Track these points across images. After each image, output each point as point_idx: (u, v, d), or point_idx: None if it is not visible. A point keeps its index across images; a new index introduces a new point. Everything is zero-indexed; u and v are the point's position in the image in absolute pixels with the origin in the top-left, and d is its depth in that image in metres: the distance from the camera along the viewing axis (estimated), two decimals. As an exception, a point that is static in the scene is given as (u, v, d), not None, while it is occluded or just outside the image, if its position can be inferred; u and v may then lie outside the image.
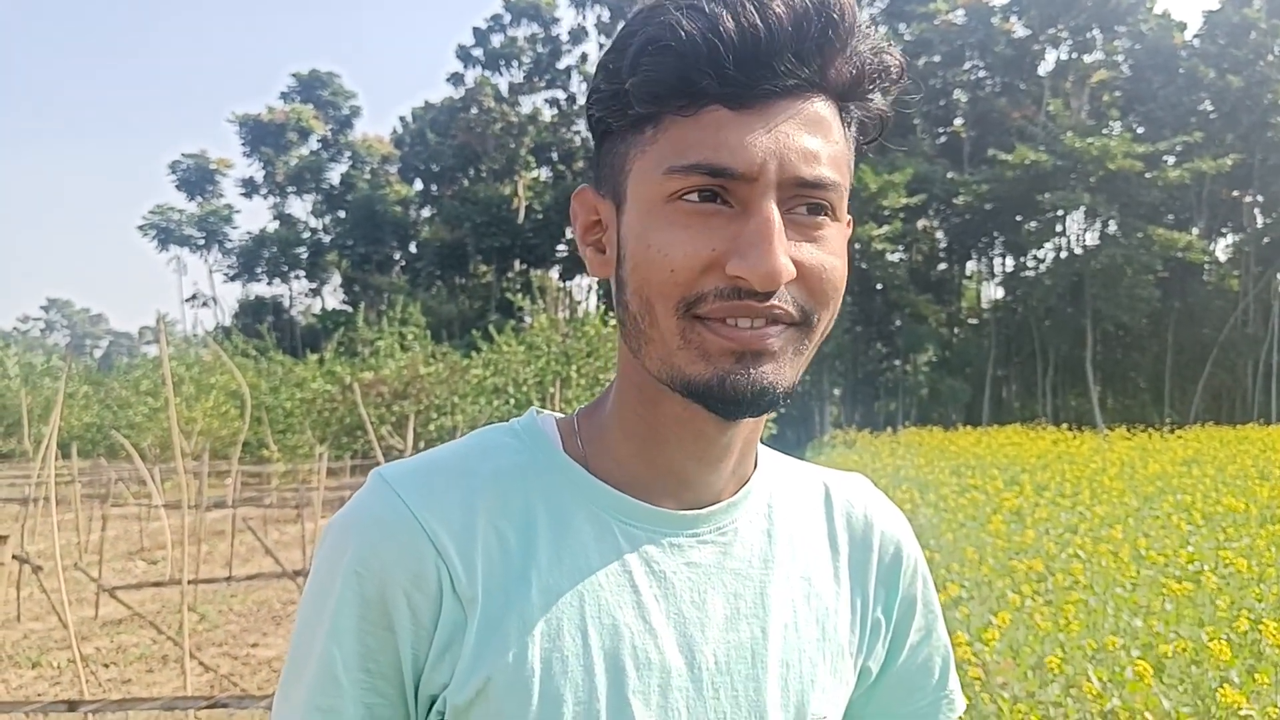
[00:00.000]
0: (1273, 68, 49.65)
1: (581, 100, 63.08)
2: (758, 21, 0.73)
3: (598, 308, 25.55)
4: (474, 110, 60.86)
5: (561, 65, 63.65)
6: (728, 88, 0.74)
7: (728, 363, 0.77)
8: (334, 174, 66.01)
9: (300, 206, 67.75)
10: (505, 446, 0.88)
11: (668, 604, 0.84)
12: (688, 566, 0.86)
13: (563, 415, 0.94)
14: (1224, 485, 14.61)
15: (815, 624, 0.91)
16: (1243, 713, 4.81)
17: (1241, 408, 48.20)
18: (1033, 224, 50.35)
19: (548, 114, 63.31)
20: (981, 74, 54.51)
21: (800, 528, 0.94)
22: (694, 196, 0.75)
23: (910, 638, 1.00)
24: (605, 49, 0.82)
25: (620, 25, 0.83)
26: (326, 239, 64.79)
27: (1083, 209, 47.85)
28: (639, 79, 0.76)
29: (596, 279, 0.99)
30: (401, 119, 67.74)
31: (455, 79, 63.65)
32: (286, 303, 66.78)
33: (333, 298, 67.19)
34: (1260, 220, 51.39)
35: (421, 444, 21.97)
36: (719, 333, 0.77)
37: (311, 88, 66.80)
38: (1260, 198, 50.72)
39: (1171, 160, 48.07)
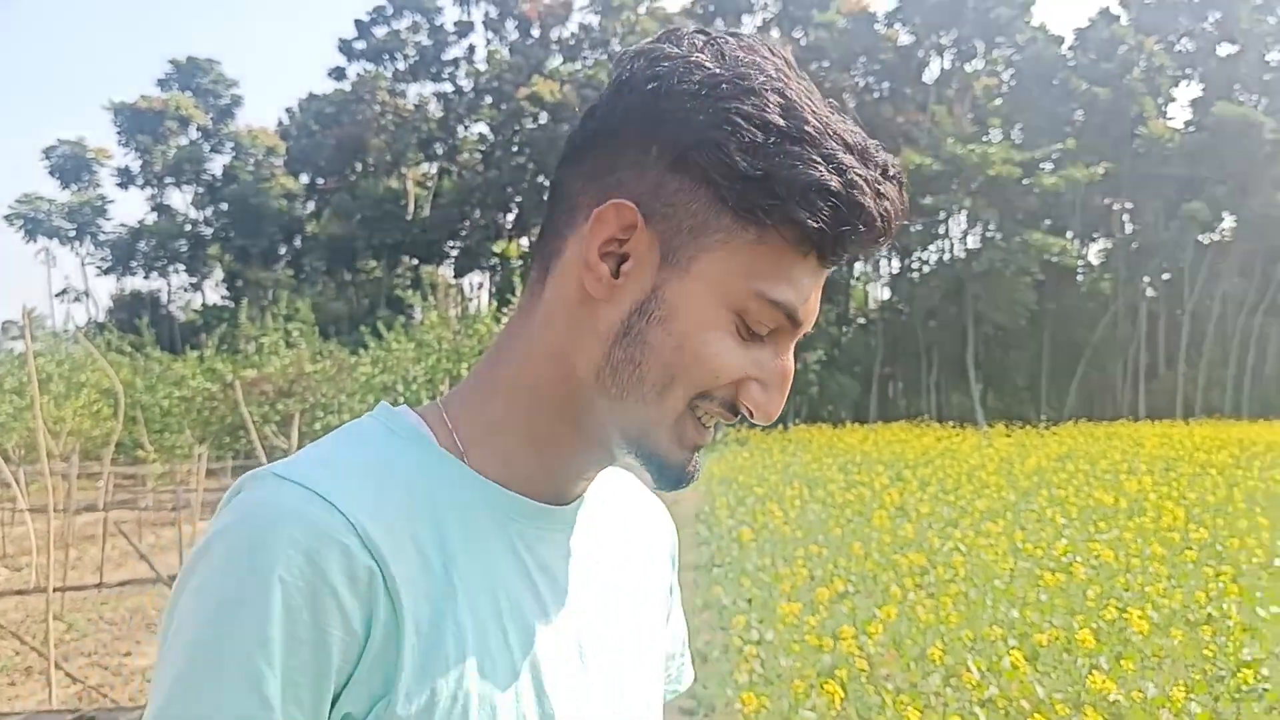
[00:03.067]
0: (1139, 82, 52.01)
1: (469, 93, 63.08)
2: (888, 214, 0.79)
3: (490, 305, 25.34)
4: (362, 103, 59.83)
5: (447, 57, 63.05)
6: (835, 254, 0.80)
7: (689, 453, 0.84)
8: (215, 165, 64.14)
9: (179, 198, 65.61)
10: (391, 445, 0.85)
11: (556, 597, 0.87)
12: (565, 559, 0.89)
13: (418, 408, 0.90)
14: (1095, 480, 15.20)
15: (645, 606, 0.99)
16: (1111, 698, 5.00)
17: (1112, 405, 50.34)
18: (917, 227, 51.73)
19: (435, 108, 62.63)
20: (869, 79, 55.79)
21: (620, 518, 1.00)
22: (756, 326, 0.80)
23: (673, 612, 1.09)
24: (753, 102, 0.78)
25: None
26: (207, 232, 62.88)
27: (964, 213, 49.42)
28: (796, 209, 0.77)
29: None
30: (288, 110, 66.26)
31: (337, 72, 62.50)
32: (164, 297, 64.59)
33: (214, 293, 65.25)
34: (1129, 227, 53.84)
35: (307, 443, 21.41)
36: (698, 430, 0.84)
37: (190, 75, 64.73)
38: (1129, 205, 53.12)
39: (1048, 167, 49.99)
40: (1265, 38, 56.54)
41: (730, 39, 0.81)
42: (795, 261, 0.80)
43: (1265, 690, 5.19)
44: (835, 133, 0.78)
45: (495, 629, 0.81)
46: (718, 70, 0.79)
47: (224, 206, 62.16)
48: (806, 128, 0.77)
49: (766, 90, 0.78)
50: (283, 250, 62.76)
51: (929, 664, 5.65)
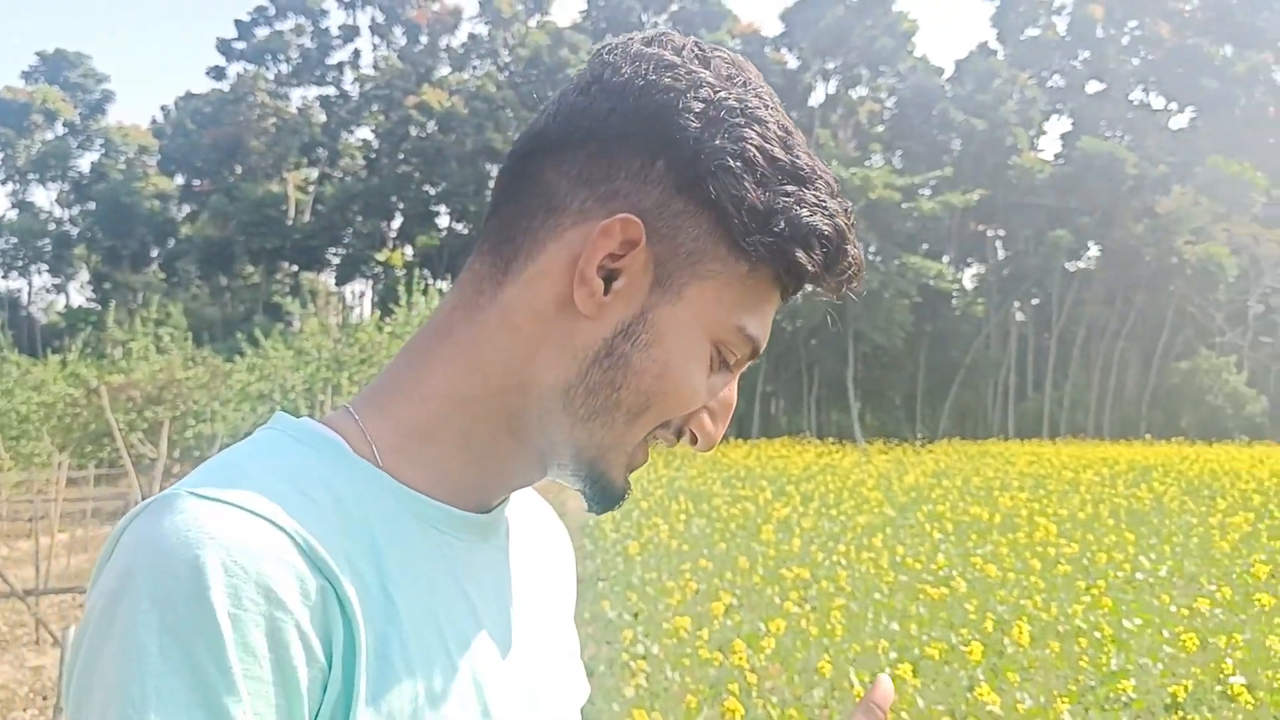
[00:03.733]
0: (1012, 114, 54.22)
1: (354, 98, 62.08)
2: (860, 261, 0.81)
3: (373, 314, 24.89)
4: (242, 104, 58.28)
5: (332, 61, 62.01)
6: (798, 290, 0.81)
7: (626, 477, 0.82)
8: (83, 162, 61.61)
9: (44, 195, 63.02)
10: (310, 456, 0.76)
11: (490, 613, 0.81)
12: (490, 573, 0.84)
13: (325, 417, 0.82)
14: (970, 496, 15.64)
15: (562, 616, 0.95)
16: (989, 709, 5.09)
17: (984, 425, 52.11)
18: (800, 248, 52.83)
19: (318, 112, 61.46)
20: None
21: (529, 528, 0.95)
22: (729, 357, 0.80)
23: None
24: (759, 132, 0.76)
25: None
26: (73, 231, 60.33)
27: (847, 234, 50.69)
28: (796, 250, 0.76)
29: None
30: (163, 108, 64.20)
31: (216, 72, 60.81)
32: (25, 298, 61.65)
33: (79, 294, 62.57)
34: (1001, 253, 55.95)
35: (176, 452, 20.63)
36: (644, 453, 0.82)
37: (58, 68, 62.16)
38: (1002, 232, 55.31)
39: (926, 193, 51.62)
40: (1129, 78, 59.65)
41: (717, 53, 0.79)
42: (771, 297, 0.80)
43: (1132, 699, 5.36)
44: (820, 172, 0.78)
45: (439, 650, 0.74)
46: (723, 91, 0.76)
47: (92, 206, 59.74)
48: (800, 164, 0.77)
49: (768, 120, 0.76)
50: (155, 253, 60.72)
51: (816, 677, 5.68)
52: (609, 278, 0.76)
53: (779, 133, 0.76)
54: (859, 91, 56.71)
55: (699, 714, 5.14)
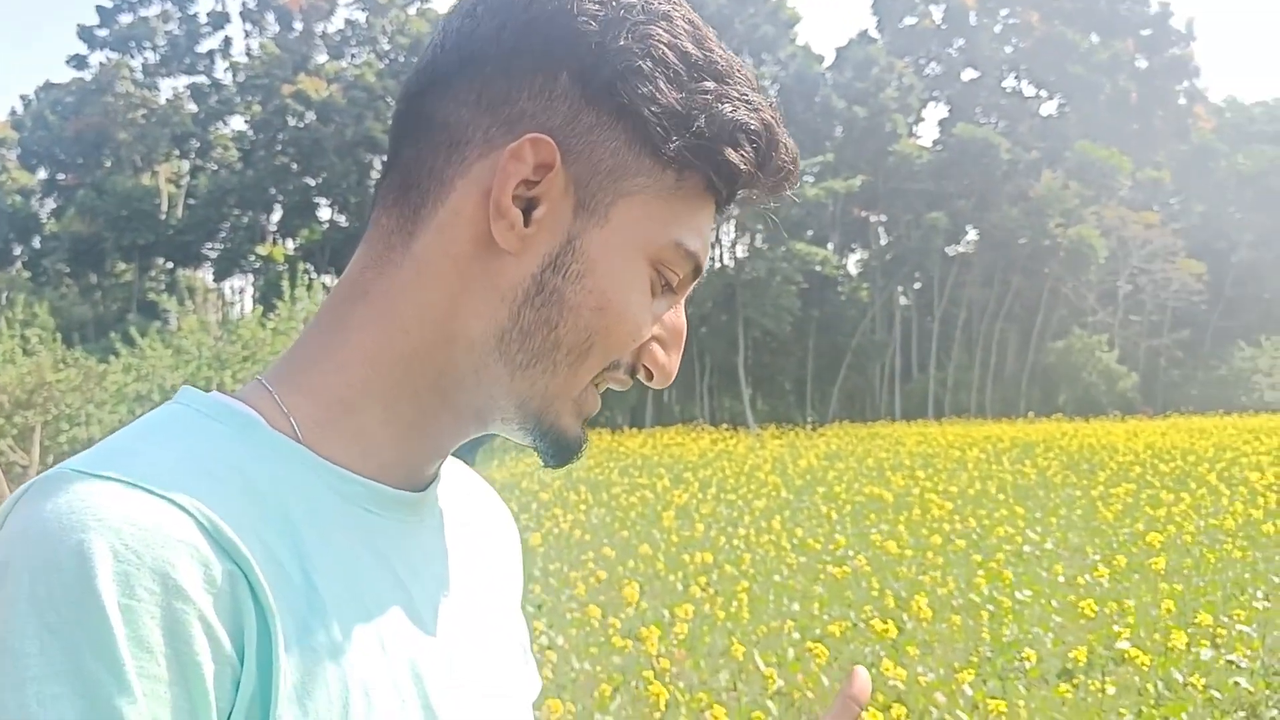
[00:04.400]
0: (891, 101, 55.48)
1: (227, 87, 60.21)
2: (795, 162, 0.75)
3: (254, 309, 24.21)
4: (106, 94, 55.97)
5: (202, 49, 60.02)
6: (734, 197, 0.75)
7: (581, 424, 0.76)
8: (-64, 156, 58.43)
9: (-106, 191, 59.39)
10: (217, 432, 0.68)
11: (425, 599, 0.74)
12: (425, 556, 0.76)
13: (237, 391, 0.73)
14: (863, 477, 15.98)
15: (504, 602, 0.88)
16: (890, 683, 5.17)
17: (872, 407, 53.33)
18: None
19: (189, 102, 59.45)
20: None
21: (467, 507, 0.88)
22: (670, 278, 0.74)
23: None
24: (667, 29, 0.70)
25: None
26: (-72, 228, 57.23)
27: (733, 222, 51.13)
28: (725, 150, 0.71)
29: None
30: (23, 98, 61.12)
31: (78, 60, 58.29)
32: (-124, 301, 58.29)
33: (-63, 296, 59.38)
34: (884, 238, 57.25)
35: (50, 458, 19.73)
36: (596, 398, 0.76)
37: (-92, 58, 58.79)
38: (884, 217, 56.57)
39: (810, 180, 52.48)
40: (1002, 65, 61.62)
41: None
42: (704, 206, 0.74)
43: (1027, 668, 5.51)
44: (737, 67, 0.72)
45: (371, 642, 0.67)
46: None
47: (-53, 201, 56.73)
48: (718, 61, 0.71)
49: (674, 15, 0.71)
50: (18, 250, 57.87)
51: (722, 660, 5.69)
52: (527, 208, 0.70)
53: (687, 27, 0.71)
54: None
55: (612, 702, 5.10)
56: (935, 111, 71.59)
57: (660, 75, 0.69)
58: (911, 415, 48.33)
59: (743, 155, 0.71)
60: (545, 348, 0.71)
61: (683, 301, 0.77)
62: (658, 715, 4.38)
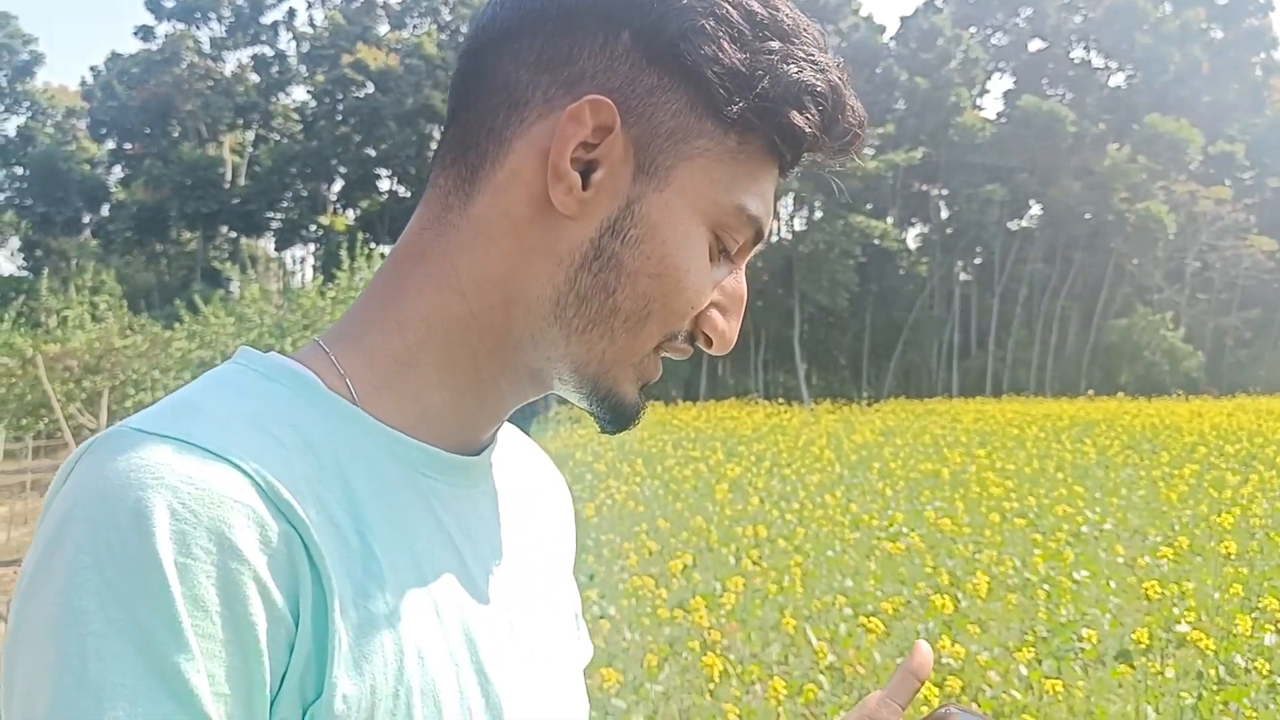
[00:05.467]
0: (955, 73, 54.49)
1: (290, 58, 60.80)
2: (864, 117, 0.74)
3: (314, 278, 24.53)
4: (172, 64, 56.78)
5: (266, 21, 60.57)
6: (798, 161, 0.74)
7: (640, 391, 0.76)
8: (9, 126, 59.73)
9: (-32, 161, 60.86)
10: (276, 393, 0.68)
11: (480, 564, 0.74)
12: (480, 520, 0.77)
13: (296, 353, 0.73)
14: (919, 453, 15.82)
15: (557, 568, 0.88)
16: (944, 660, 5.14)
17: (928, 383, 52.80)
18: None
19: (252, 73, 60.08)
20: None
21: (522, 474, 0.88)
22: (729, 244, 0.73)
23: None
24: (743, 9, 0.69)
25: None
26: (1, 197, 58.62)
27: (791, 195, 50.74)
28: (790, 111, 0.69)
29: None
30: (93, 69, 62.29)
31: (145, 32, 59.14)
32: (-47, 267, 59.92)
33: (10, 263, 60.89)
34: (945, 212, 56.41)
35: (117, 422, 20.31)
36: (657, 365, 0.75)
37: (-19, 29, 60.08)
38: (945, 191, 55.71)
39: (870, 152, 51.83)
40: (1070, 35, 60.16)
41: None
42: (767, 170, 0.72)
43: (1082, 649, 5.44)
44: (804, 26, 0.71)
45: (426, 606, 0.66)
46: None
47: (20, 170, 58.02)
48: (781, 18, 0.70)
49: (802, 33, 0.70)
50: (87, 218, 59.14)
51: (774, 634, 5.69)
52: (586, 170, 0.69)
53: None
54: (803, 51, 56.74)
55: (659, 672, 5.12)
56: (1000, 83, 70.22)
57: (724, 35, 0.67)
58: (969, 392, 47.79)
59: (807, 118, 0.69)
60: (602, 313, 0.70)
61: (743, 267, 0.76)
62: (710, 686, 4.39)
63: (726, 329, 0.74)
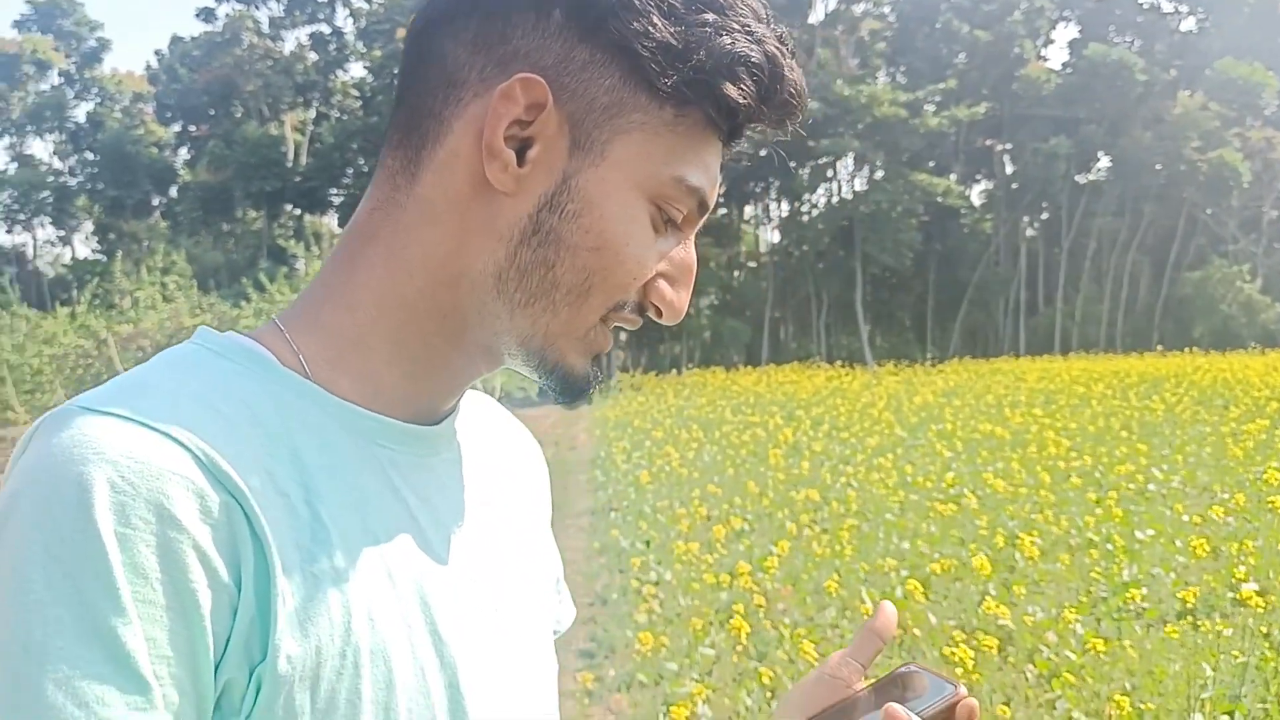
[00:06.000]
0: (1019, 24, 53.14)
1: (347, 35, 61.28)
2: (802, 88, 0.74)
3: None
4: (233, 45, 57.53)
5: (323, -2, 61.09)
6: (741, 135, 0.75)
7: (590, 363, 0.77)
8: (79, 112, 61.04)
9: (41, 147, 62.44)
10: (228, 370, 0.70)
11: (438, 529, 0.76)
12: (440, 486, 0.79)
13: (252, 331, 0.76)
14: (980, 414, 15.63)
15: (528, 535, 0.89)
16: (1000, 623, 5.10)
17: (994, 342, 51.97)
18: (806, 169, 52.22)
19: (311, 51, 60.63)
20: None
21: (492, 443, 0.90)
22: (673, 215, 0.74)
23: (550, 549, 0.98)
24: None
25: None
26: (73, 182, 59.99)
27: (852, 155, 50.06)
28: (723, 83, 0.70)
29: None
30: (157, 53, 63.32)
31: (206, 14, 59.95)
32: (30, 252, 61.55)
33: (84, 246, 62.45)
34: (1009, 167, 55.23)
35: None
36: (606, 336, 0.76)
37: (50, 17, 61.25)
38: (1009, 145, 54.50)
39: (931, 109, 50.86)
40: (1137, -20, 58.29)
41: None
42: (708, 142, 0.73)
43: (1144, 609, 5.36)
44: (744, 0, 0.72)
45: (377, 570, 0.69)
46: None
47: (90, 155, 59.34)
48: (753, 32, 0.71)
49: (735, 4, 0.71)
50: (156, 200, 60.37)
51: (825, 597, 5.69)
52: (522, 148, 0.71)
53: None
54: (860, 7, 55.58)
55: (705, 637, 5.16)
56: (1065, 32, 68.32)
57: (654, 9, 0.68)
58: (1036, 350, 46.98)
59: (742, 89, 0.70)
60: (544, 287, 0.72)
61: (692, 238, 0.77)
62: (739, 649, 4.42)
63: (675, 299, 0.75)
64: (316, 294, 0.76)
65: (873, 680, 0.82)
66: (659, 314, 0.76)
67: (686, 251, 0.76)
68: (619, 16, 0.68)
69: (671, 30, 0.68)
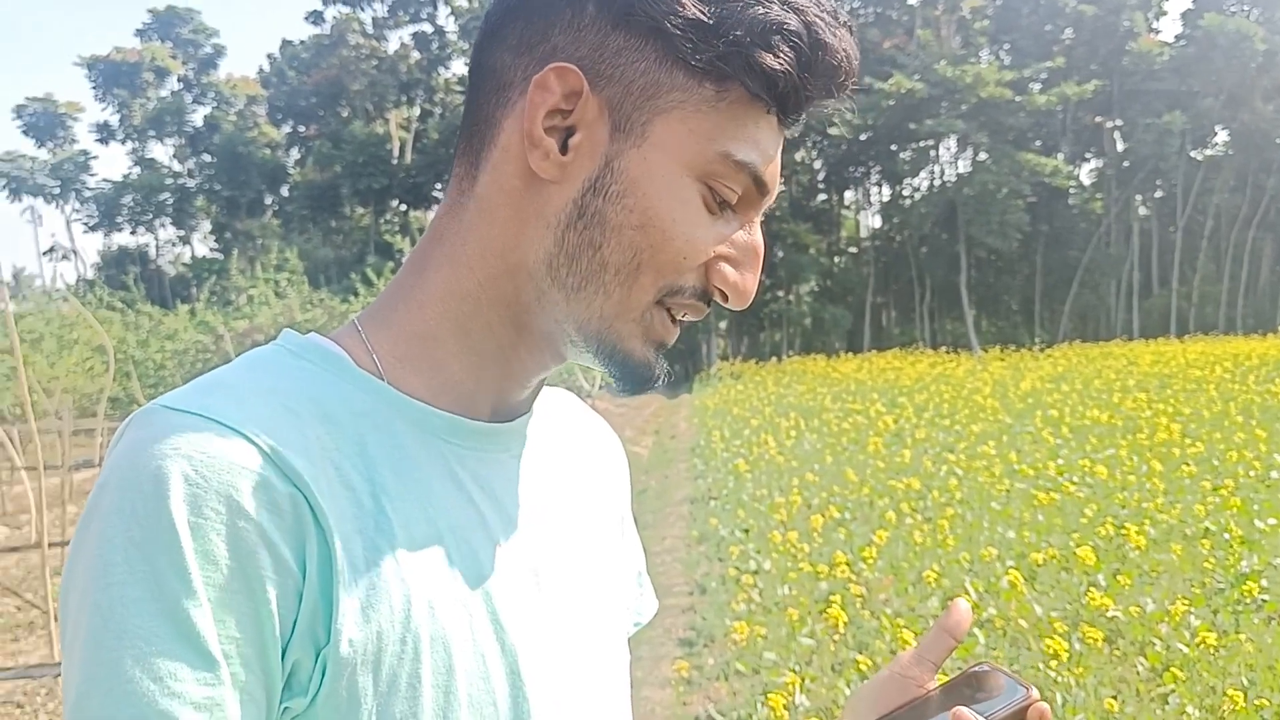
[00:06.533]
0: (1128, -5, 51.25)
1: (450, 34, 62.21)
2: (849, 55, 0.74)
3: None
4: (339, 47, 58.91)
5: (425, -4, 62.02)
6: (796, 108, 0.74)
7: (654, 351, 0.78)
8: (197, 116, 63.26)
9: (162, 151, 64.82)
10: (302, 369, 0.75)
11: (504, 522, 0.79)
12: (508, 481, 0.81)
13: (333, 332, 0.81)
14: (1089, 399, 15.20)
15: (601, 528, 0.91)
16: (1109, 614, 5.00)
17: (1106, 325, 50.36)
18: (907, 152, 51.28)
19: (414, 50, 61.68)
20: (854, 4, 54.96)
21: (568, 438, 0.93)
22: (726, 195, 0.74)
23: (630, 542, 1.01)
24: None
25: None
26: (192, 184, 62.26)
27: (955, 136, 48.95)
28: (757, 52, 0.70)
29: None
30: (269, 57, 65.20)
31: (315, 17, 61.48)
32: (153, 252, 64.13)
33: (202, 245, 64.77)
34: (1120, 144, 53.35)
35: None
36: (665, 325, 0.77)
37: (169, 25, 63.65)
38: (1119, 122, 52.62)
39: (1037, 87, 49.42)
40: (1256, -54, 55.64)
41: None
42: (757, 118, 0.73)
43: (1264, 601, 5.20)
44: None
45: (439, 561, 0.73)
46: None
47: (207, 158, 61.47)
48: (793, 5, 0.71)
49: None
50: (269, 200, 62.23)
51: (926, 587, 5.65)
52: (567, 137, 0.73)
53: None
54: (962, -15, 54.26)
55: (804, 627, 5.17)
56: (1178, 3, 65.47)
57: None
58: (1151, 333, 45.39)
59: (779, 57, 0.71)
60: (593, 269, 0.74)
61: (757, 220, 0.78)
62: (837, 638, 4.42)
63: (740, 280, 0.76)
64: (391, 295, 0.81)
65: (945, 679, 0.82)
66: (724, 298, 0.77)
67: (750, 234, 0.77)
68: (647, 0, 0.70)
69: (702, 7, 0.70)
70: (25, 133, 61.72)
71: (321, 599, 0.66)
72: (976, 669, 0.81)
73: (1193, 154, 51.08)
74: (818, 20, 0.71)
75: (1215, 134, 51.68)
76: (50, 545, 7.48)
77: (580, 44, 0.73)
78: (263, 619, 0.64)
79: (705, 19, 0.70)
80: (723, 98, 0.72)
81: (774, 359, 40.37)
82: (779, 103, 0.73)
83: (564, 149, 0.73)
